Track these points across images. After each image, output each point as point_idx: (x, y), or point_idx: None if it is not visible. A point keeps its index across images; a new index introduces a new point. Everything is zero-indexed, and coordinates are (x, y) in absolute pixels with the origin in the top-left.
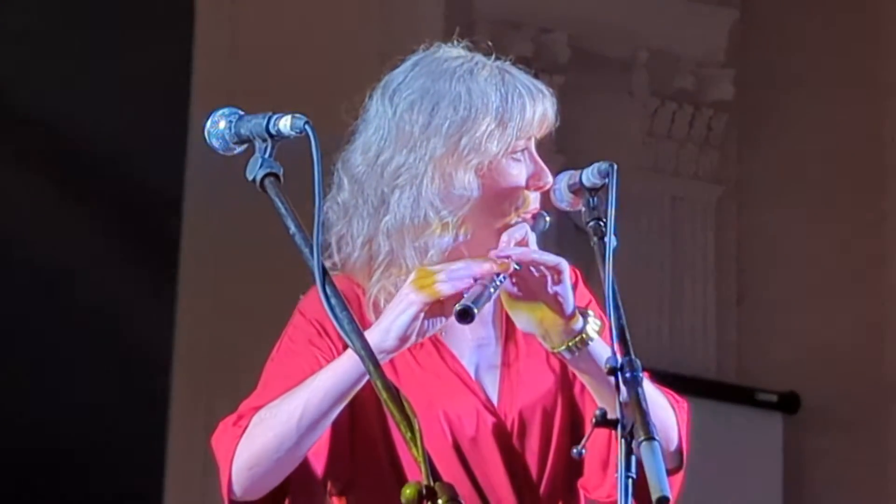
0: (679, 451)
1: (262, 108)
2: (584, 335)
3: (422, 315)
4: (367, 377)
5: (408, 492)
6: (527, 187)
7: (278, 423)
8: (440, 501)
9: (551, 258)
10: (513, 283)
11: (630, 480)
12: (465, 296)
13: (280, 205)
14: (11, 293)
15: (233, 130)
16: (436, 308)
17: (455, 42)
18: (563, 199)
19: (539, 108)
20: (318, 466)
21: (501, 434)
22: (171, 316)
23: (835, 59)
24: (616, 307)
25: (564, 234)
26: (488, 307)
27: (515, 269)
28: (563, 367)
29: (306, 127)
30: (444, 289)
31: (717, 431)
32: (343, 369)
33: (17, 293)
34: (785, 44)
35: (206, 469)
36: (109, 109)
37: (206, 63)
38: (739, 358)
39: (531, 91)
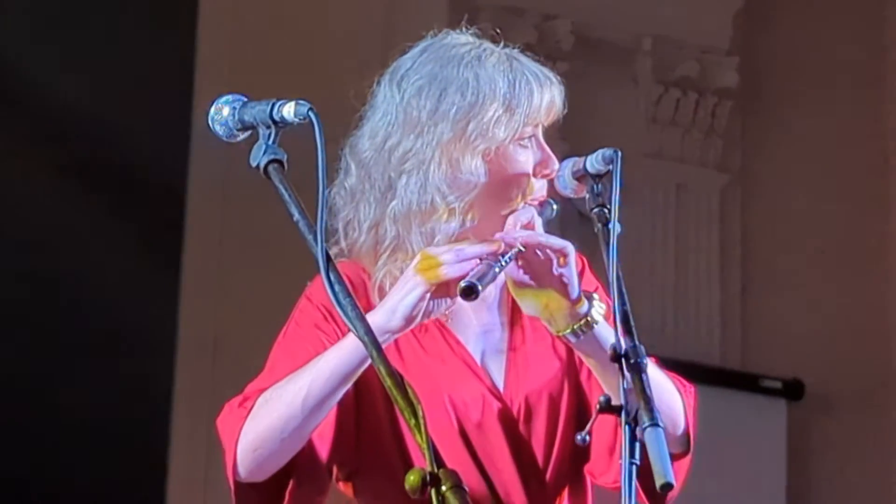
0: (686, 435)
1: (266, 94)
2: (589, 318)
3: (427, 296)
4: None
5: (411, 478)
6: (534, 174)
7: (283, 404)
8: (444, 488)
9: (557, 241)
10: (518, 266)
11: (634, 466)
12: (470, 274)
13: (284, 191)
14: (13, 280)
15: (236, 117)
16: (441, 289)
17: (463, 29)
18: (567, 186)
19: (547, 95)
20: (323, 450)
21: (507, 420)
22: (174, 303)
23: (839, 47)
24: (620, 294)
25: (568, 220)
26: (494, 293)
27: (521, 251)
28: (570, 353)
29: (310, 113)
30: (450, 272)
31: (721, 418)
32: (347, 350)
33: (19, 280)
34: (789, 31)
35: (210, 456)
36: (112, 95)
37: (210, 49)
38: (744, 345)
39: (539, 78)
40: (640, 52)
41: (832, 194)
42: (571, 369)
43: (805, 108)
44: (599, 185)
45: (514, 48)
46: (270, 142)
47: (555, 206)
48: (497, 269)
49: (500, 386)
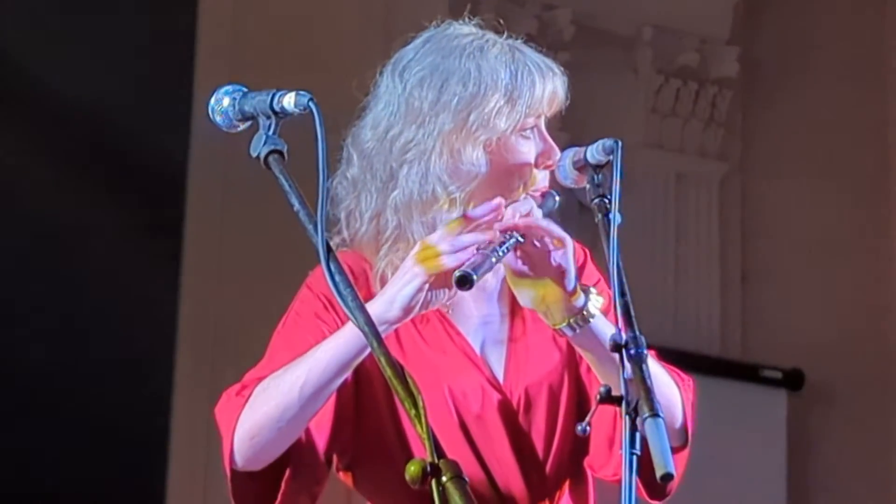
0: (684, 428)
1: (267, 84)
2: (585, 312)
3: (426, 286)
4: (369, 348)
5: (412, 469)
6: (536, 165)
7: (280, 392)
8: (445, 478)
9: (556, 229)
10: (517, 257)
11: (635, 457)
12: (466, 263)
13: (284, 182)
14: (15, 265)
15: (237, 108)
16: (440, 279)
17: (465, 20)
18: (568, 176)
19: (549, 86)
20: (321, 439)
21: (507, 411)
22: (175, 293)
23: (839, 36)
24: (620, 284)
25: (568, 211)
26: (494, 284)
27: (519, 241)
28: (570, 345)
29: (310, 104)
30: (448, 262)
31: (721, 408)
32: (345, 339)
33: (20, 266)
34: (789, 21)
35: (210, 446)
36: (113, 86)
37: (211, 39)
38: (744, 335)
39: (541, 69)
40: (640, 42)
41: (832, 184)
42: (571, 361)
43: (805, 97)
44: (600, 176)
45: (516, 39)
46: (271, 132)
47: (557, 198)
48: (494, 259)
49: (500, 377)
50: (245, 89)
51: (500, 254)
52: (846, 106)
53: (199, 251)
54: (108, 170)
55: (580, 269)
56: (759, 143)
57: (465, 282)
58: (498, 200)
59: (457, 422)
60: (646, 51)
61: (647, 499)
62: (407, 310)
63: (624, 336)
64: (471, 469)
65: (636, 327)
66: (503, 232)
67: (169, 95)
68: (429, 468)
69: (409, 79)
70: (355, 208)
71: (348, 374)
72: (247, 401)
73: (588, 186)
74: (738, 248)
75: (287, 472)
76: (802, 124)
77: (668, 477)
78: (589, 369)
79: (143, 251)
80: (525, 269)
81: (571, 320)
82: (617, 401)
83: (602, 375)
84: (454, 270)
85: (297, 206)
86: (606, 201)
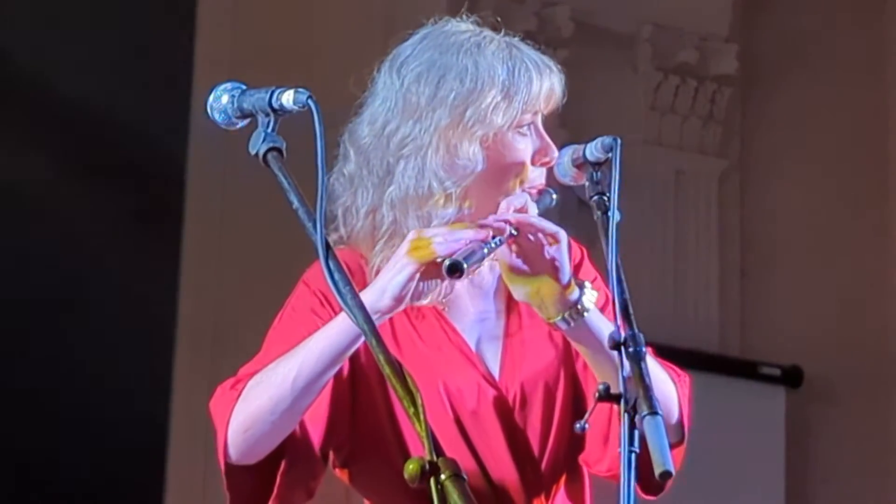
0: (680, 424)
1: (266, 81)
2: (580, 306)
3: (417, 276)
4: (361, 339)
5: (410, 467)
6: (532, 162)
7: (273, 385)
8: (443, 476)
9: (550, 225)
10: (511, 251)
11: (633, 455)
12: (457, 253)
13: (283, 179)
14: (14, 265)
15: (235, 105)
16: (431, 269)
17: (463, 16)
18: (567, 174)
19: (546, 83)
20: (316, 435)
21: (502, 407)
22: (174, 291)
23: (838, 33)
24: (619, 281)
25: (567, 208)
26: (490, 281)
27: (513, 234)
28: (566, 342)
29: (309, 101)
30: (440, 249)
31: (720, 405)
32: (337, 331)
33: (20, 265)
34: (788, 18)
35: (209, 444)
36: (112, 81)
37: (210, 36)
38: (742, 332)
39: (538, 66)
40: (639, 39)
41: (831, 181)
42: (567, 358)
43: (804, 94)
44: (599, 173)
45: (514, 36)
46: (269, 129)
47: (554, 195)
48: (486, 251)
49: (496, 373)
50: (244, 87)
51: (493, 245)
52: (845, 103)
53: (198, 250)
54: (107, 168)
55: (576, 267)
56: (758, 141)
57: (455, 270)
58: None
59: (452, 418)
60: (645, 48)
61: (642, 495)
62: (398, 299)
63: (623, 334)
64: (466, 465)
65: (635, 325)
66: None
67: (168, 93)
68: (427, 466)
69: (407, 75)
70: (352, 204)
71: (340, 365)
72: (240, 394)
73: (587, 184)
74: (736, 245)
75: (282, 466)
76: (801, 121)
77: (666, 475)
78: (585, 365)
79: (143, 250)
80: (519, 262)
81: (566, 314)
82: (615, 398)
83: (598, 370)
84: (445, 259)
85: (295, 203)
86: (605, 199)
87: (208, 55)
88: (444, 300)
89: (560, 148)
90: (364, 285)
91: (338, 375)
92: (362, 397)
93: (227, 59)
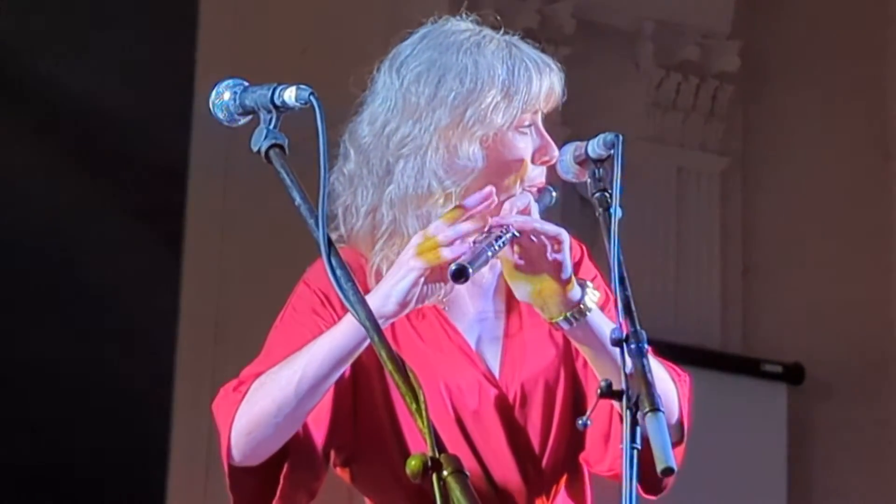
0: (680, 424)
1: (267, 78)
2: (582, 306)
3: (422, 280)
4: (366, 343)
5: (413, 463)
6: (533, 161)
7: (277, 387)
8: (445, 473)
9: (552, 228)
10: (513, 251)
11: (635, 451)
12: (462, 257)
13: (285, 176)
14: (14, 264)
15: (237, 102)
16: (436, 273)
17: (463, 15)
18: (569, 171)
19: (546, 82)
20: (319, 435)
21: (503, 406)
22: (175, 287)
23: (840, 30)
24: (621, 278)
25: (569, 205)
26: (490, 280)
27: (515, 235)
28: (566, 341)
29: (311, 98)
30: (447, 254)
31: (722, 402)
32: (342, 335)
33: (21, 264)
34: (790, 15)
35: (211, 442)
36: (114, 79)
37: (212, 33)
38: (744, 329)
39: (538, 65)
40: (641, 37)
41: (833, 178)
42: (568, 356)
43: (806, 91)
44: (601, 170)
45: (514, 35)
46: (271, 126)
47: (554, 194)
48: (490, 254)
49: (496, 372)
50: (246, 83)
51: (497, 248)
52: (847, 99)
53: (200, 248)
54: (109, 166)
55: (576, 265)
56: (759, 138)
57: (460, 275)
58: (489, 189)
59: (453, 417)
60: (647, 45)
61: (643, 494)
62: (403, 304)
63: (624, 330)
64: (468, 465)
65: (637, 321)
66: (498, 227)
67: (170, 91)
68: (429, 462)
69: (406, 74)
70: (352, 204)
71: (345, 368)
72: (244, 396)
73: (589, 181)
74: (738, 242)
75: (285, 468)
76: (803, 119)
77: (668, 471)
78: (585, 364)
79: (144, 249)
80: (522, 263)
81: (568, 314)
82: (617, 395)
83: (599, 369)
84: (451, 263)
85: (298, 200)
86: (607, 195)
87: (210, 53)
88: (444, 299)
89: (562, 145)
90: (364, 284)
91: (339, 375)
92: (363, 397)
93: (229, 58)
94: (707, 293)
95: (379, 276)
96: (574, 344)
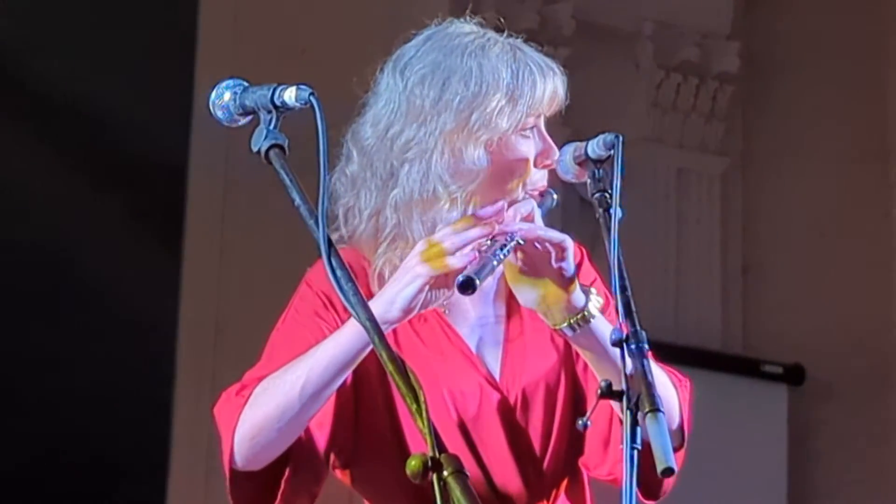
0: (680, 429)
1: (268, 78)
2: (585, 312)
3: (427, 287)
4: (369, 347)
5: (413, 463)
6: (535, 164)
7: (281, 392)
8: (445, 473)
9: (556, 235)
10: (517, 258)
11: (636, 452)
12: (468, 267)
13: (285, 176)
14: (14, 264)
15: (237, 102)
16: (441, 280)
17: (467, 18)
18: (569, 171)
19: (549, 86)
20: (321, 439)
21: (504, 410)
22: (175, 289)
23: (839, 30)
24: (621, 278)
25: (569, 205)
26: (491, 285)
27: (520, 243)
28: (567, 344)
29: (311, 98)
30: (454, 262)
31: (722, 403)
32: (346, 339)
33: (20, 264)
34: (790, 15)
35: (211, 445)
36: (114, 79)
37: (212, 33)
38: (745, 330)
39: (542, 68)
40: (641, 37)
41: (833, 178)
42: (569, 360)
43: (805, 92)
44: (601, 170)
45: (517, 38)
46: (271, 127)
47: (555, 197)
48: (495, 263)
49: (497, 376)
50: (246, 84)
51: (501, 256)
52: (846, 101)
53: (200, 249)
54: (108, 166)
55: (577, 268)
56: (759, 138)
57: (468, 286)
58: (501, 203)
59: (455, 422)
60: (646, 46)
61: (642, 498)
62: (407, 310)
63: (625, 331)
64: (469, 468)
65: (637, 322)
66: (502, 235)
67: (169, 92)
68: (430, 462)
69: (411, 76)
70: (354, 205)
71: (348, 373)
72: (247, 401)
73: (589, 181)
74: (738, 243)
75: (287, 472)
76: (803, 119)
77: (668, 471)
78: (585, 367)
79: (144, 249)
80: (526, 269)
81: (572, 321)
82: (618, 396)
83: (600, 374)
84: (457, 271)
85: (297, 200)
86: (607, 196)
87: (210, 53)
88: (445, 303)
89: (562, 145)
90: (366, 287)
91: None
92: (364, 400)
93: (229, 58)
94: (707, 293)
95: (381, 280)
96: (576, 348)
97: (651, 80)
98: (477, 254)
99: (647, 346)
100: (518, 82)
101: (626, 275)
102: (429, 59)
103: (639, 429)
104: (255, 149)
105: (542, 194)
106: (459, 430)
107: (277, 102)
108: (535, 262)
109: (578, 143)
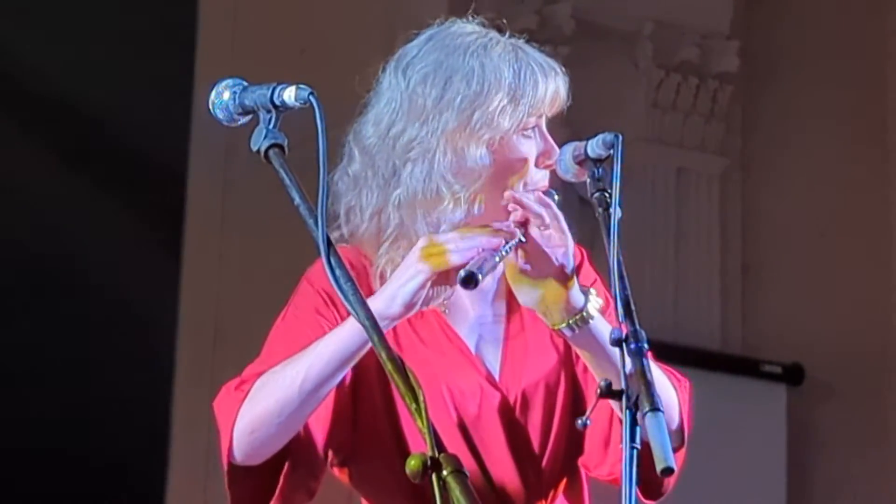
0: (680, 430)
1: (267, 78)
2: (584, 313)
3: (428, 284)
4: (369, 344)
5: (412, 463)
6: (536, 164)
7: (280, 387)
8: (445, 472)
9: (535, 206)
10: (518, 256)
11: (635, 451)
12: (470, 263)
13: (284, 176)
14: (14, 264)
15: (237, 101)
16: (442, 277)
17: (469, 17)
18: (568, 171)
19: (551, 86)
20: (320, 435)
21: (504, 410)
22: (175, 288)
23: (839, 30)
24: (621, 278)
25: (569, 205)
26: (490, 284)
27: (521, 240)
28: (567, 345)
29: (311, 98)
30: (454, 259)
31: (721, 403)
32: (346, 335)
33: (20, 264)
34: (790, 15)
35: (211, 441)
36: (112, 80)
37: (211, 33)
38: (744, 329)
39: (544, 68)
40: (640, 37)
41: (833, 178)
42: (568, 360)
43: (805, 92)
44: (600, 170)
45: (518, 38)
46: (271, 126)
47: (556, 196)
48: (497, 259)
49: (496, 375)
50: (245, 83)
51: (503, 253)
52: (846, 100)
53: (199, 249)
54: (108, 167)
55: (577, 269)
56: (759, 138)
57: (470, 281)
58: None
59: (455, 421)
60: (646, 45)
61: (642, 498)
62: (409, 306)
63: (624, 331)
64: (468, 467)
65: (636, 321)
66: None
67: (169, 92)
68: (429, 462)
69: (413, 76)
70: (356, 204)
71: (348, 369)
72: (246, 395)
73: (588, 181)
74: (738, 243)
75: (285, 467)
76: (803, 119)
77: (668, 471)
78: (586, 370)
79: (144, 249)
80: (528, 268)
81: (571, 321)
82: (617, 395)
83: (599, 374)
84: (458, 268)
85: (297, 200)
86: (607, 195)
87: (210, 54)
88: (445, 302)
89: (561, 145)
90: (367, 285)
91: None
92: (363, 398)
93: (228, 58)
94: (706, 293)
95: (383, 279)
96: (575, 349)
97: (651, 80)
98: (478, 251)
99: (646, 346)
100: (520, 82)
101: (625, 274)
102: (431, 58)
103: (638, 428)
104: (254, 148)
105: (543, 194)
106: (459, 429)
107: (277, 102)
108: (536, 260)
109: (578, 143)
